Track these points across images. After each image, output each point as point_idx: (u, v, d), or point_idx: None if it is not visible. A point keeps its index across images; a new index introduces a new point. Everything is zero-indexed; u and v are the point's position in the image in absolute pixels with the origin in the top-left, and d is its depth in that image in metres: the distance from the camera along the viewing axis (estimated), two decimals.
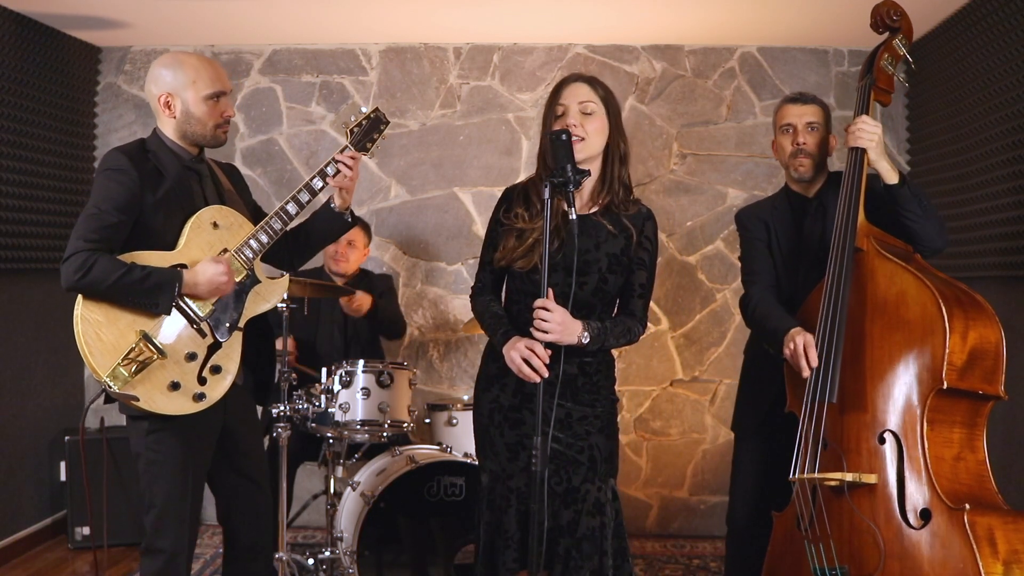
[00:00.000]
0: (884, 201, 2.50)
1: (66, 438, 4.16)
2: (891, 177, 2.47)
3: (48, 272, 4.06)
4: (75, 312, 2.30)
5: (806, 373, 2.37)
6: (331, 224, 2.69)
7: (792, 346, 2.41)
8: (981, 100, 3.59)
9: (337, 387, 3.31)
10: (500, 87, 4.53)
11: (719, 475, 4.46)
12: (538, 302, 2.17)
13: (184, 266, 2.38)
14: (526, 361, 2.18)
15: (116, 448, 4.01)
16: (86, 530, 4.06)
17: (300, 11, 3.99)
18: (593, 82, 2.31)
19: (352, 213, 2.70)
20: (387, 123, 2.69)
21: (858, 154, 2.48)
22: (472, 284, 2.49)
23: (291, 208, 2.52)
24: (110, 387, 2.28)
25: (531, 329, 2.20)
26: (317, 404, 3.27)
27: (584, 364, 2.35)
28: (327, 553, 3.30)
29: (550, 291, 2.18)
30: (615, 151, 2.34)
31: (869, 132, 2.46)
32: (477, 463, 2.74)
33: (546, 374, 2.16)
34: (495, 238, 2.40)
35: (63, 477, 4.22)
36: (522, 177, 4.47)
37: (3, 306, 3.98)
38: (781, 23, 4.11)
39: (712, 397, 4.50)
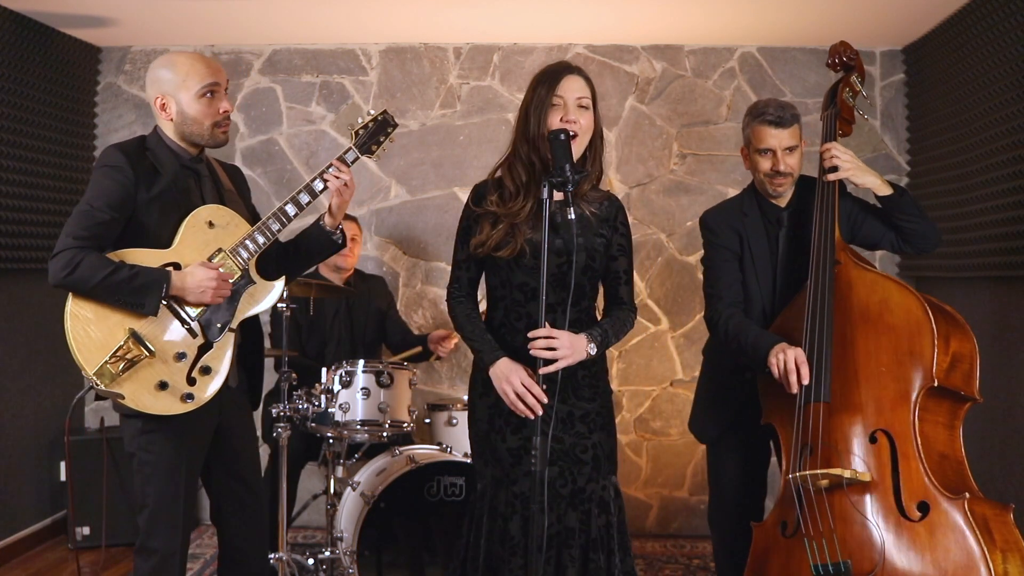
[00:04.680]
0: (881, 213, 2.63)
1: (66, 438, 4.17)
2: (884, 189, 2.57)
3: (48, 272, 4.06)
4: (65, 308, 2.29)
5: (795, 389, 2.39)
6: (320, 243, 2.60)
7: (781, 361, 2.40)
8: (981, 100, 3.59)
9: (337, 387, 3.31)
10: (500, 87, 4.53)
11: None
12: (535, 332, 2.17)
13: (177, 265, 2.37)
14: (522, 397, 2.20)
15: (116, 448, 4.02)
16: (86, 530, 4.07)
17: (300, 11, 3.99)
18: (584, 75, 2.33)
19: (343, 233, 2.61)
20: (395, 126, 2.63)
21: (831, 186, 2.57)
22: (448, 284, 2.44)
23: (290, 209, 2.47)
24: (96, 384, 2.26)
25: (547, 356, 2.18)
26: (317, 404, 3.27)
27: None
28: (327, 553, 3.30)
29: (547, 324, 2.18)
30: (598, 142, 2.36)
31: (842, 156, 2.55)
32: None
33: (540, 412, 2.17)
34: (468, 232, 2.38)
35: (63, 477, 4.22)
36: None
37: (3, 306, 3.98)
38: (781, 23, 4.11)
39: None
